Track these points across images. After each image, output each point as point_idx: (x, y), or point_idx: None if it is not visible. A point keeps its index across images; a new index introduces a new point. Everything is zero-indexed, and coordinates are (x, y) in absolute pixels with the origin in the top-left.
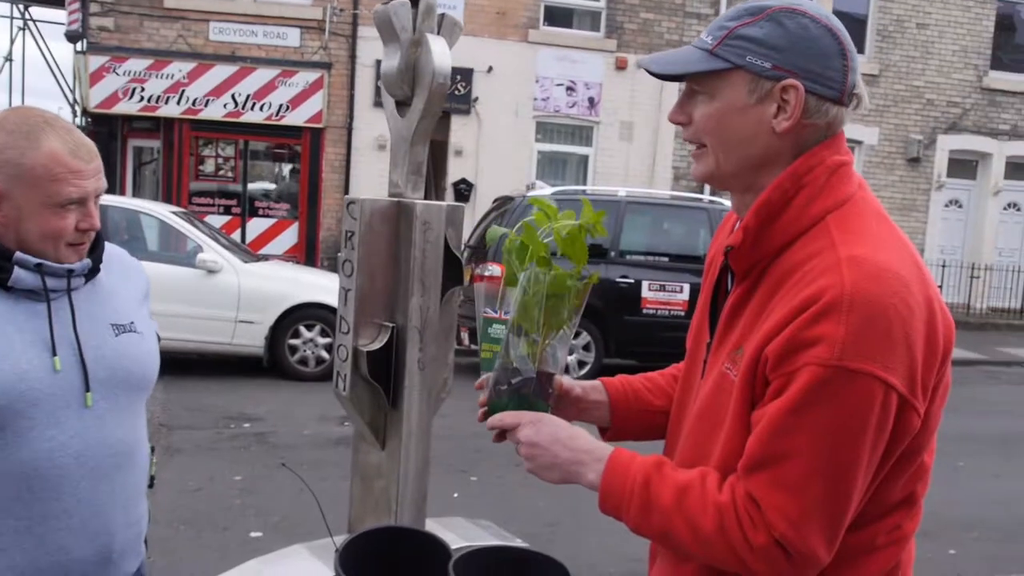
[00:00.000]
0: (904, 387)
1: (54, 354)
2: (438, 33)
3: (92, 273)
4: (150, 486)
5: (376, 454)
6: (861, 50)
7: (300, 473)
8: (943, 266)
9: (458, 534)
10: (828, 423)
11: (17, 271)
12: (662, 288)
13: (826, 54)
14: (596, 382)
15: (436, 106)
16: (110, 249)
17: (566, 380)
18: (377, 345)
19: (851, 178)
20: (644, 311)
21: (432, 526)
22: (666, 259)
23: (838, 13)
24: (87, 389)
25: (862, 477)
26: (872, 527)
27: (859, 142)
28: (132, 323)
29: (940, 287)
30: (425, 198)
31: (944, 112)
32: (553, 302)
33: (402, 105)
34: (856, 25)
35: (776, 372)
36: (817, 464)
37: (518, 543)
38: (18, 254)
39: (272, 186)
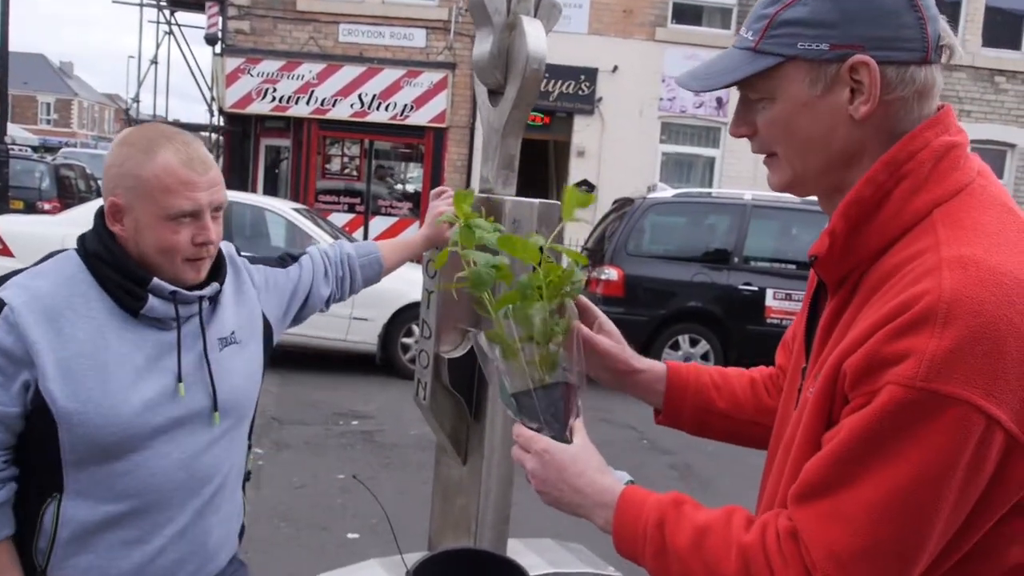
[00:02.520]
0: (1013, 422)
1: (179, 380)
2: (535, 15)
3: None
4: (246, 480)
5: (457, 469)
6: (1017, 47)
7: (403, 476)
8: None
9: (545, 558)
10: (907, 455)
11: (151, 300)
12: (788, 297)
13: (893, 12)
14: (659, 364)
15: (531, 94)
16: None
17: (609, 345)
18: (459, 352)
19: (966, 163)
20: (768, 320)
21: (517, 547)
22: (793, 267)
23: (991, 8)
24: (215, 409)
25: (942, 525)
26: None
27: (1012, 145)
28: (232, 333)
29: None
30: (547, 199)
31: None
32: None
33: (495, 94)
34: (1012, 20)
35: (856, 391)
36: (887, 501)
37: (610, 571)
38: (155, 282)
39: (395, 185)
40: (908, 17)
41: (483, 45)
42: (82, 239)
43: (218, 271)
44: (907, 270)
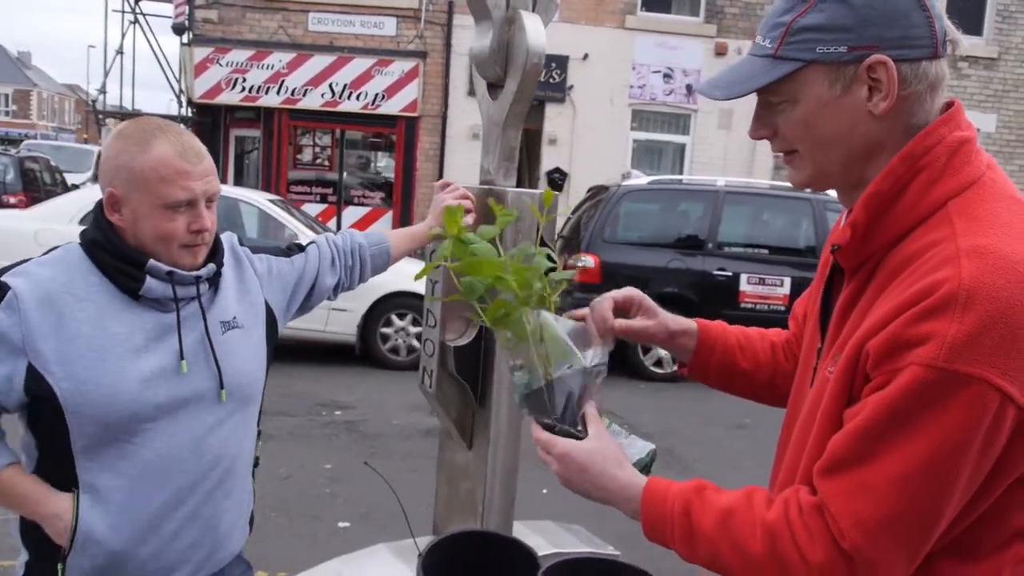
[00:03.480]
0: None
1: (182, 358)
2: (533, 10)
3: (215, 277)
4: (255, 467)
5: (463, 454)
6: (979, 32)
7: (389, 465)
8: None
9: (548, 539)
10: (928, 430)
11: (149, 281)
12: (761, 282)
13: (903, 13)
14: (691, 323)
15: (530, 88)
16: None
17: (643, 327)
18: (465, 340)
19: (977, 157)
20: (742, 305)
21: (520, 530)
22: (766, 251)
23: None
24: (221, 387)
25: (959, 494)
26: (996, 557)
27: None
28: (234, 318)
29: None
30: (519, 187)
31: None
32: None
33: (494, 87)
34: (974, 5)
35: (877, 370)
36: (909, 473)
37: (610, 550)
38: (151, 263)
39: (367, 175)
40: (917, 16)
41: (483, 40)
42: (83, 232)
43: (214, 256)
44: (926, 258)
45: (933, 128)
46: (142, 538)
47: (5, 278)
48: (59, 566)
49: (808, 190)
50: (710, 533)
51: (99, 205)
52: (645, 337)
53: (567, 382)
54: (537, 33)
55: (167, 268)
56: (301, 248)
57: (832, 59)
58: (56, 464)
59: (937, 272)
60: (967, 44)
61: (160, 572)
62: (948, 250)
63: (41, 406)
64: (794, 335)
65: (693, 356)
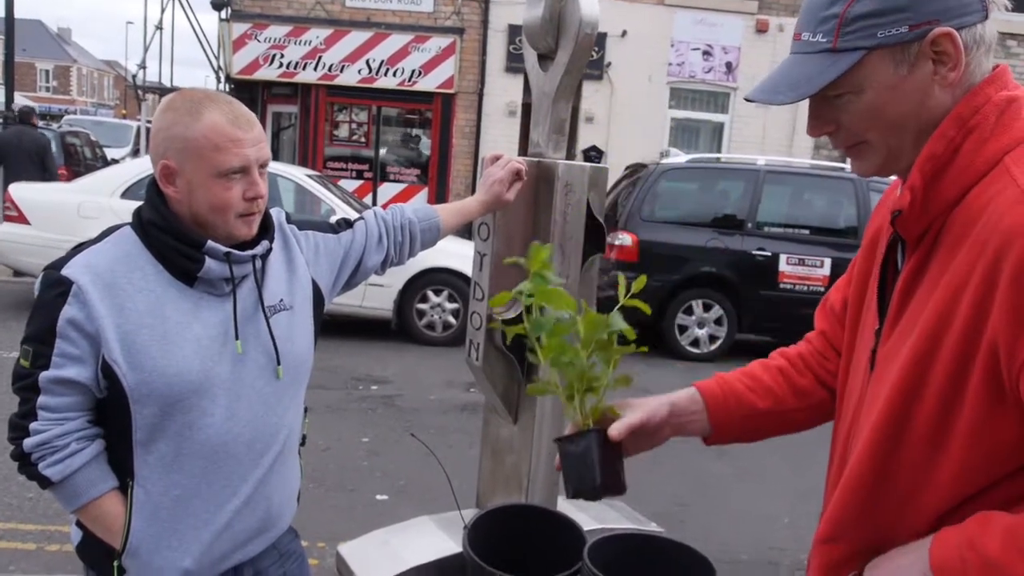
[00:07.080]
0: None
1: (236, 338)
2: None
3: (267, 254)
4: (302, 444)
5: (508, 428)
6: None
7: (426, 439)
8: None
9: (591, 515)
10: None
11: (208, 262)
12: (801, 262)
13: None
14: (692, 390)
15: (582, 59)
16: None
17: (651, 403)
18: (513, 314)
19: None
20: (781, 285)
21: (564, 505)
22: (806, 231)
23: None
24: (278, 364)
25: None
26: None
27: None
28: (281, 300)
29: None
30: None
31: None
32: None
33: (545, 59)
34: None
35: (1019, 343)
36: None
37: (653, 527)
38: (209, 244)
39: (403, 151)
40: None
41: (534, 10)
42: (137, 211)
43: (266, 230)
44: (991, 208)
45: (980, 88)
46: (204, 522)
47: (64, 272)
48: (115, 564)
49: (849, 167)
50: (997, 554)
51: (152, 184)
52: (652, 426)
53: (592, 436)
54: (590, 3)
55: (224, 249)
56: (349, 224)
57: (895, 41)
58: (113, 456)
59: (1006, 217)
60: (1016, 20)
61: (215, 558)
62: (1012, 194)
63: (108, 397)
64: (824, 332)
65: (712, 421)
